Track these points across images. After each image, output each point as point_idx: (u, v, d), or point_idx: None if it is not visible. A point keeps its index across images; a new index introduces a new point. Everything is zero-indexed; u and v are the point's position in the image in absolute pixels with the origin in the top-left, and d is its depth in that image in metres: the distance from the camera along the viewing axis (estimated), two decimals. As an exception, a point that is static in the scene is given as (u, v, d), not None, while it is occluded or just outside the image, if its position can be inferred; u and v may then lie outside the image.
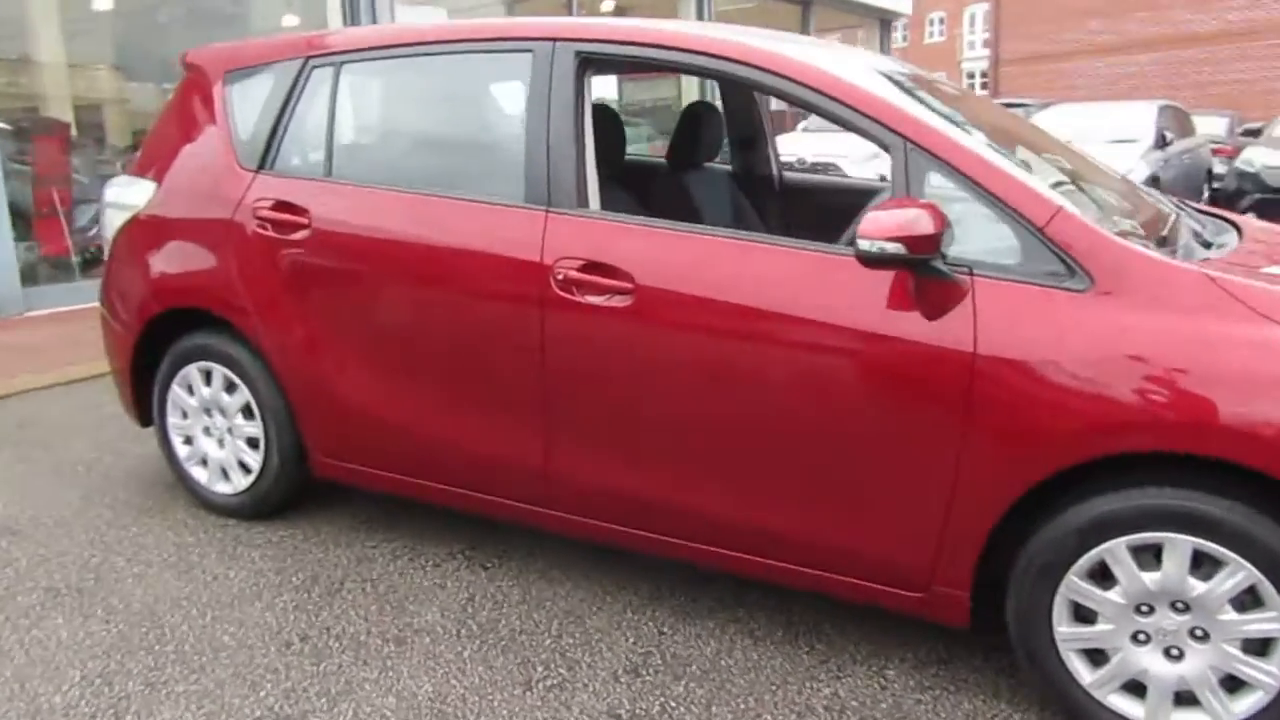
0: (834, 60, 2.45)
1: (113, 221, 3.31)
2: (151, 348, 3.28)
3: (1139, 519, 1.97)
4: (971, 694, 2.30)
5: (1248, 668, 1.95)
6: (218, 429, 3.23)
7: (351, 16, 8.44)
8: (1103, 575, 2.04)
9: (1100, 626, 2.07)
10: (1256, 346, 1.87)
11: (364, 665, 2.44)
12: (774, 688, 2.33)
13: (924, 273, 2.07)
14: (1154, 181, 8.50)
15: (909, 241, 1.99)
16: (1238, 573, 1.89)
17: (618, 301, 2.41)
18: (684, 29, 2.53)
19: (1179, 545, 1.94)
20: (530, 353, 2.54)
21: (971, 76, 38.75)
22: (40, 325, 6.45)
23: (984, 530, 2.12)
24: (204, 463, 3.29)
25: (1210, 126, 12.39)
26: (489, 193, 2.65)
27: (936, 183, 2.18)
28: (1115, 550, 2.00)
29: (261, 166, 2.99)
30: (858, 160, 9.72)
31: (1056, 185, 2.29)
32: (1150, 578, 1.99)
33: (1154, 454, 1.94)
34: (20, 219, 7.03)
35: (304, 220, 2.86)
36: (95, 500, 3.50)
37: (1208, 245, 2.40)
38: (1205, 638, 1.98)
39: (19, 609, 2.74)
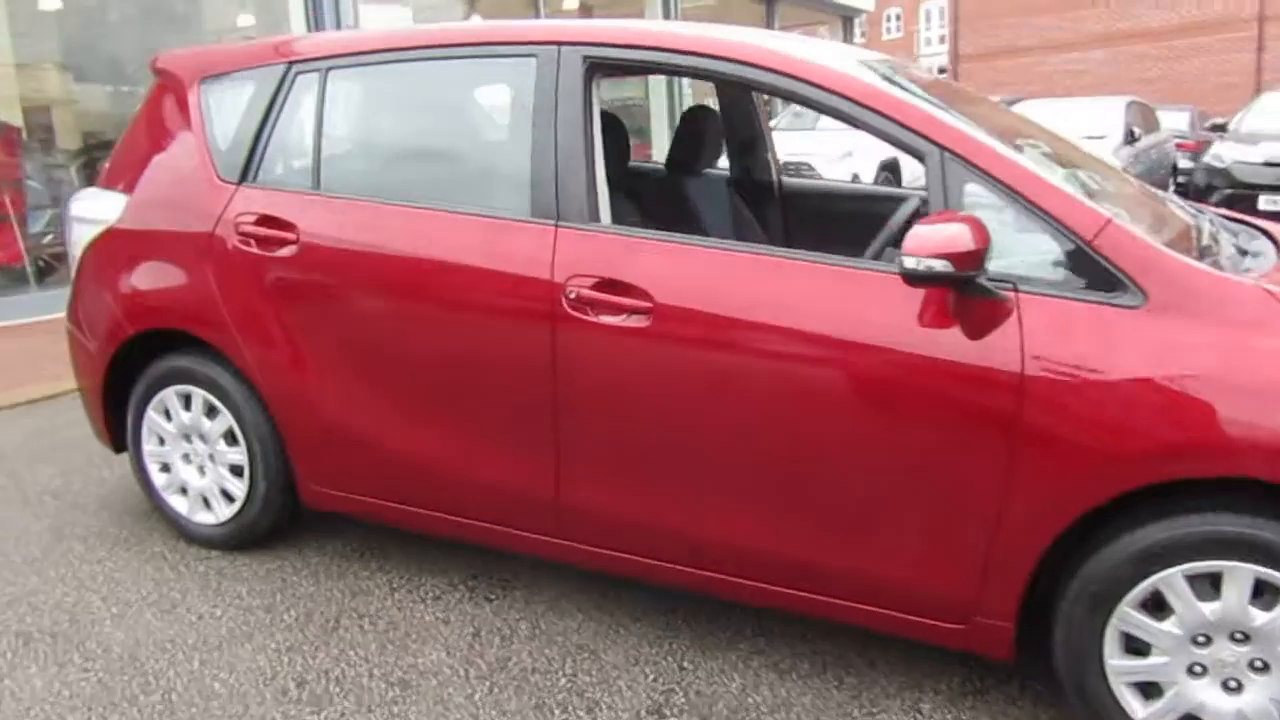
0: (854, 63, 2.34)
1: (80, 236, 3.11)
2: (125, 368, 3.08)
3: (1197, 546, 1.88)
4: (1013, 728, 2.21)
5: (1312, 700, 1.87)
6: (198, 456, 3.04)
7: (314, 16, 8.19)
8: (1157, 605, 1.95)
9: (1154, 659, 1.97)
10: (1324, 366, 1.79)
11: (368, 713, 2.28)
12: (808, 727, 2.22)
13: (968, 290, 1.97)
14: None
15: (955, 258, 1.88)
16: (1304, 603, 1.81)
17: (635, 321, 2.28)
18: (698, 31, 2.40)
19: (1240, 574, 1.85)
20: (540, 375, 2.40)
21: (929, 72, 38.98)
22: (-6, 339, 6.17)
23: (1031, 559, 2.02)
24: (183, 491, 3.11)
25: (1173, 121, 12.52)
26: (492, 206, 2.51)
27: (974, 193, 2.08)
28: (1171, 579, 1.91)
29: (243, 179, 2.81)
30: (831, 159, 9.66)
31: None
32: (1209, 608, 1.90)
33: (1215, 479, 1.85)
34: (-31, 226, 6.73)
35: (291, 236, 2.69)
36: (66, 533, 3.29)
37: (1243, 254, 2.32)
38: (1266, 669, 1.90)
39: (-12, 658, 2.55)
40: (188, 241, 2.85)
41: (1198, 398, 1.84)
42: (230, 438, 2.96)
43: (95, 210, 3.07)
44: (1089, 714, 2.06)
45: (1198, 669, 1.95)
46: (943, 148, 2.08)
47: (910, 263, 1.90)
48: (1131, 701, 2.01)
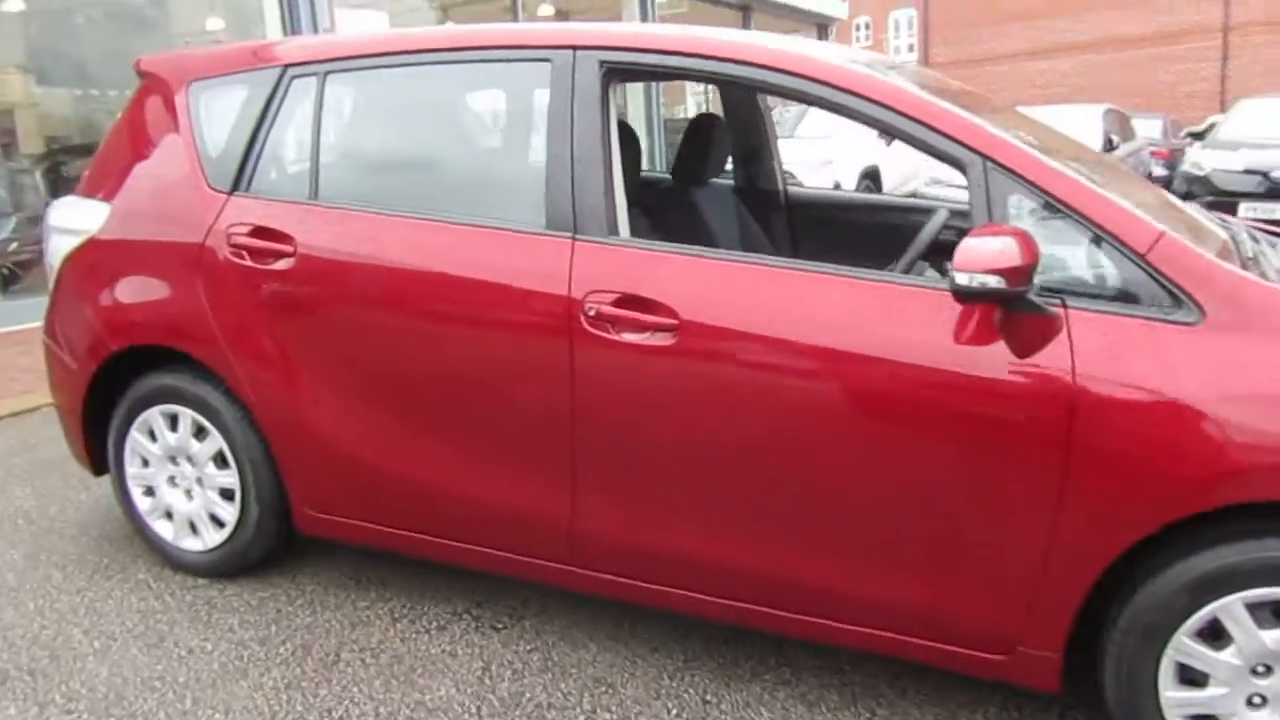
0: (884, 68, 2.25)
1: (58, 248, 2.94)
2: (107, 387, 2.92)
3: (1259, 572, 1.80)
4: (1058, 762, 2.11)
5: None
6: (185, 479, 2.88)
7: (290, 21, 8.00)
8: (1214, 634, 1.87)
9: (1212, 690, 1.89)
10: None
11: (377, 755, 2.15)
12: (844, 764, 2.11)
13: (1016, 306, 1.88)
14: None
15: (1008, 273, 1.79)
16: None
17: (659, 340, 2.16)
18: (721, 35, 2.30)
19: (1305, 602, 1.78)
20: (556, 396, 2.28)
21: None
22: (-42, 353, 5.92)
23: (1083, 588, 1.93)
24: (169, 516, 2.94)
25: (1147, 129, 12.62)
26: (503, 218, 2.39)
27: (1018, 205, 1.99)
28: (1231, 607, 1.83)
29: (235, 188, 2.67)
30: (811, 167, 9.61)
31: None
32: (1271, 636, 1.82)
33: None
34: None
35: (288, 248, 2.55)
36: (42, 560, 3.12)
37: None
38: (1332, 701, 1.82)
39: (-37, 701, 2.38)
40: (176, 253, 2.70)
41: (1261, 418, 1.76)
42: (220, 460, 2.80)
43: (75, 220, 2.91)
44: (1141, 748, 1.97)
45: (1257, 700, 1.87)
46: (986, 157, 1.99)
47: (963, 279, 1.80)
48: (1188, 735, 1.93)
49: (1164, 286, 1.86)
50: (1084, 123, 9.84)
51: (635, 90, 12.61)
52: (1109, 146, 9.82)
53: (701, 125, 3.21)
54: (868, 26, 43.82)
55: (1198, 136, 10.07)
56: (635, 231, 2.37)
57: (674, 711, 2.29)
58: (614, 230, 2.29)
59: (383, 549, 2.73)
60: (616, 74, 2.34)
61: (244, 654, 2.54)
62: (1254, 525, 1.81)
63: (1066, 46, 24.22)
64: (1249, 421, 1.76)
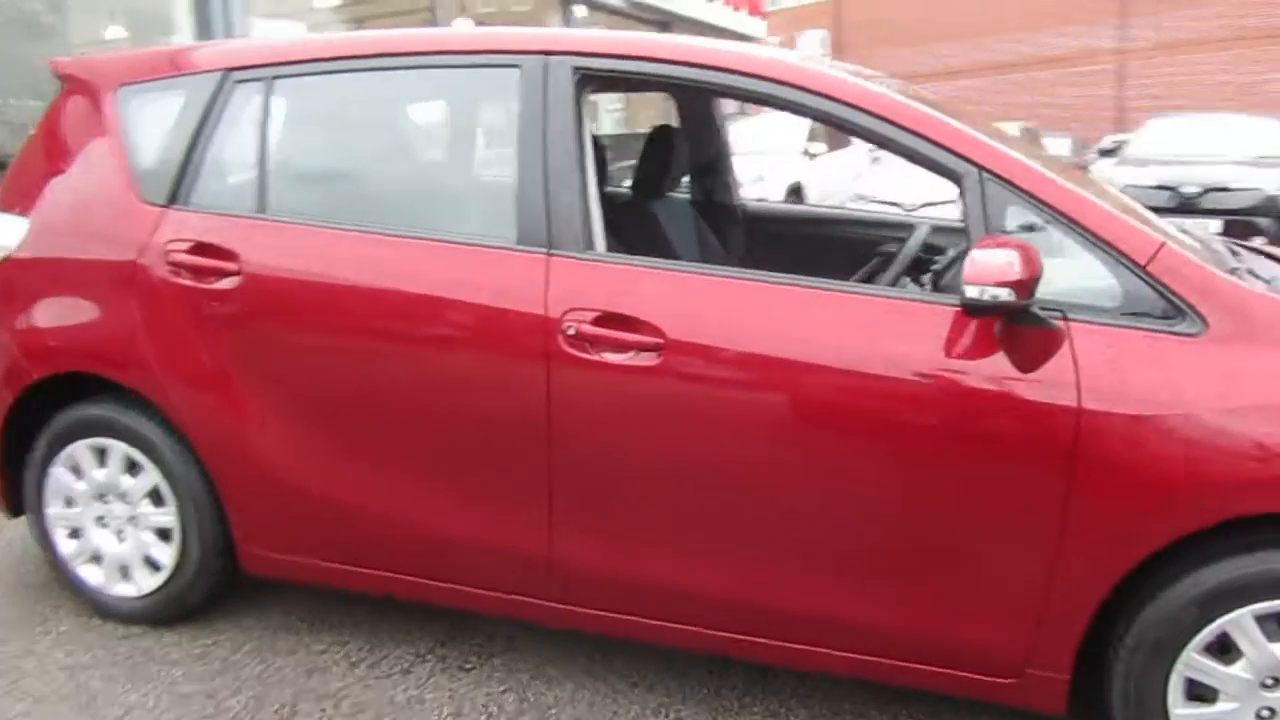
0: (868, 78, 2.20)
1: (-34, 268, 2.68)
2: (25, 419, 2.67)
3: (1268, 585, 1.78)
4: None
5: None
6: (116, 519, 2.64)
7: (202, 29, 7.69)
8: (1222, 649, 1.84)
9: (1222, 705, 1.86)
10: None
11: (348, 816, 1.97)
12: (848, 799, 2.02)
13: (1020, 319, 1.83)
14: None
15: (1016, 286, 1.74)
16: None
17: (644, 360, 2.06)
18: (707, 43, 2.21)
19: (1313, 612, 1.76)
20: (532, 418, 2.15)
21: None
22: None
23: (1091, 605, 1.89)
24: (97, 560, 2.69)
25: (1057, 148, 13.07)
26: (471, 233, 2.25)
27: (1016, 217, 1.94)
28: (1241, 621, 1.81)
29: (172, 201, 2.46)
30: (747, 181, 9.62)
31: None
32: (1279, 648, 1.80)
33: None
34: None
35: (232, 266, 2.36)
36: (-51, 613, 2.83)
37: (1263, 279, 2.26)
38: (1340, 712, 1.81)
39: None
40: (105, 272, 2.48)
41: (1267, 429, 1.74)
42: (156, 497, 2.58)
43: (-13, 237, 2.66)
44: (1150, 768, 1.93)
45: (1265, 713, 1.85)
46: (982, 168, 1.94)
47: (974, 292, 1.75)
48: (1198, 752, 1.89)
49: (1165, 298, 1.84)
50: (1001, 140, 10.07)
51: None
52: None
53: (661, 137, 3.12)
54: (780, 44, 44.71)
55: (1107, 154, 10.42)
56: (608, 248, 2.26)
57: (663, 751, 2.17)
58: (590, 245, 2.18)
59: (340, 588, 2.54)
60: (591, 81, 2.24)
61: (190, 709, 2.33)
62: (1262, 537, 1.79)
63: (975, 68, 25.03)
64: (1255, 433, 1.74)
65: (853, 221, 3.51)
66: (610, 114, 18.29)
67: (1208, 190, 8.36)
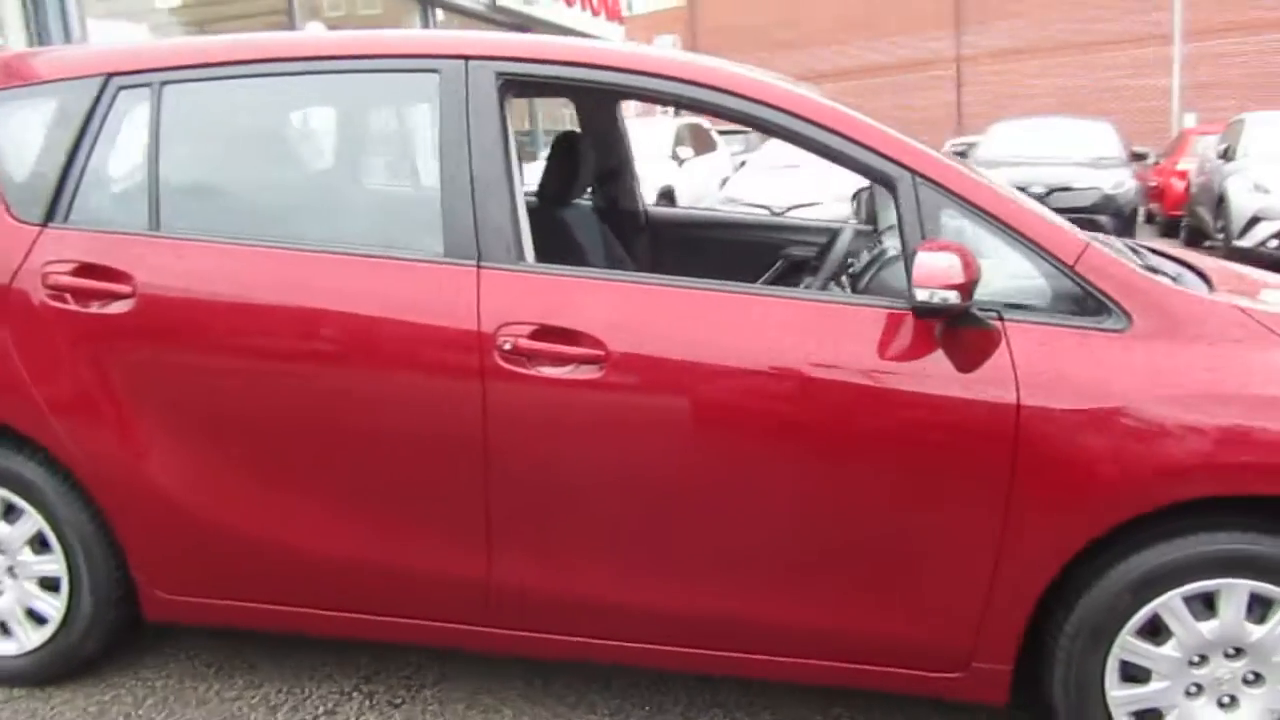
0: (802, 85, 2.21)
1: None
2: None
3: (1196, 567, 1.87)
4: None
5: (1307, 706, 1.91)
6: (-9, 570, 2.40)
7: (36, 30, 7.10)
8: (1153, 630, 1.93)
9: (1155, 685, 1.95)
10: (1303, 377, 1.83)
11: None
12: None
13: (960, 321, 1.87)
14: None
15: (959, 288, 1.78)
16: (1297, 610, 1.85)
17: (584, 373, 2.00)
18: (632, 48, 2.17)
19: (1237, 590, 1.87)
20: (467, 440, 2.06)
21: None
22: None
23: (1032, 597, 1.95)
24: (-31, 617, 2.43)
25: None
26: (392, 246, 2.14)
27: (949, 221, 1.99)
28: (1170, 603, 1.90)
29: (50, 219, 2.24)
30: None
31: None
32: (1206, 627, 1.90)
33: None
34: None
35: (124, 288, 2.17)
36: None
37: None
38: (1258, 681, 1.92)
39: None
40: (-29, 298, 2.24)
41: (1193, 418, 1.83)
42: (39, 543, 2.35)
43: None
44: (1091, 748, 2.01)
45: (1193, 689, 1.95)
46: (915, 172, 1.98)
47: (923, 295, 1.77)
48: (1133, 730, 1.98)
49: (1093, 295, 1.91)
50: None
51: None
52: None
53: (568, 144, 3.06)
54: (634, 52, 45.10)
55: (960, 155, 10.94)
56: None
57: (615, 773, 2.12)
58: (522, 256, 2.11)
59: (254, 629, 2.37)
60: (513, 86, 2.16)
61: (91, 774, 2.13)
62: (1188, 522, 1.88)
63: (831, 73, 25.87)
64: (1183, 423, 1.83)
65: (753, 226, 3.55)
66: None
67: (1053, 190, 8.90)
